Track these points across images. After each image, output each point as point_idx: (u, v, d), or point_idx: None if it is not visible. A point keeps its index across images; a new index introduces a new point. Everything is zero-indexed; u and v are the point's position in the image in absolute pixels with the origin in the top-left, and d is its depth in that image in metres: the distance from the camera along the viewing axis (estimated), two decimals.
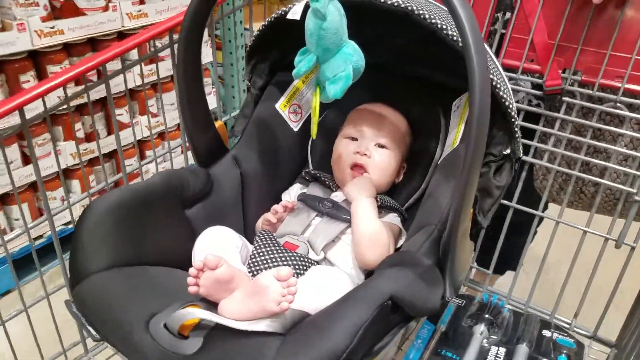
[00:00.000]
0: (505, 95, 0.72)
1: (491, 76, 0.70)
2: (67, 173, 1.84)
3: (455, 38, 0.68)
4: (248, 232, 0.88)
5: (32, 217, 1.72)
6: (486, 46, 0.78)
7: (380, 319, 0.57)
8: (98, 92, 1.72)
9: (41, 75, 1.62)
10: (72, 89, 1.67)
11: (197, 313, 0.57)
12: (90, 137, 1.83)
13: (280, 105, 0.92)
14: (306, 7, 0.69)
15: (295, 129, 0.95)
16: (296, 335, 0.57)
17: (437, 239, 0.70)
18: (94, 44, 1.74)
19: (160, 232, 0.73)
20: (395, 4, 0.71)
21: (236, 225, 0.84)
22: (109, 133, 1.92)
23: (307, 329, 0.58)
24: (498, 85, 0.71)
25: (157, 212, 0.73)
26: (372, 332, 0.56)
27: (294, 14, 0.73)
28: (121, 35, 1.79)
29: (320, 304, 0.62)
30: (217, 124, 0.85)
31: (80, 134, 1.82)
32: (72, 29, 1.60)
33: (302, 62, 0.68)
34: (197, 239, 0.75)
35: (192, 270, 0.59)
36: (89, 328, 0.61)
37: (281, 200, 0.92)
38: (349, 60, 0.67)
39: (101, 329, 0.61)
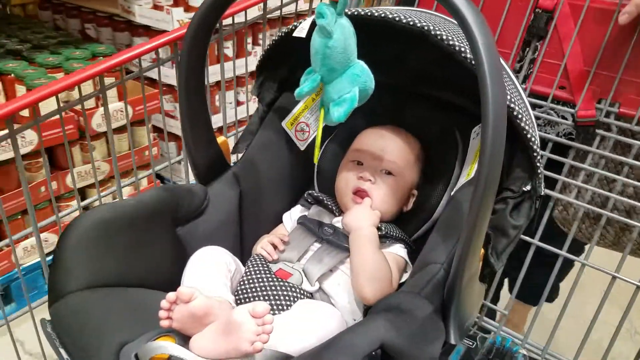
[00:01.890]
0: (527, 127, 0.65)
1: (512, 105, 0.63)
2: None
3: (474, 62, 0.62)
4: (245, 254, 0.83)
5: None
6: (511, 72, 0.72)
7: None
8: None
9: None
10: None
11: (168, 348, 0.54)
12: None
13: (287, 123, 0.88)
14: (313, 24, 0.65)
15: (302, 148, 0.90)
16: None
17: (442, 279, 0.64)
18: None
19: (147, 250, 0.69)
20: (411, 23, 0.66)
21: (232, 246, 0.80)
22: None
23: None
24: (519, 116, 0.64)
25: (145, 230, 0.69)
26: None
27: (301, 30, 0.69)
28: None
29: (303, 344, 0.57)
30: (220, 139, 0.81)
31: None
32: None
33: (305, 82, 0.63)
34: (189, 260, 0.71)
35: (163, 303, 0.55)
36: (61, 351, 0.58)
37: (281, 222, 0.88)
38: (355, 82, 0.62)
39: (72, 352, 0.58)
